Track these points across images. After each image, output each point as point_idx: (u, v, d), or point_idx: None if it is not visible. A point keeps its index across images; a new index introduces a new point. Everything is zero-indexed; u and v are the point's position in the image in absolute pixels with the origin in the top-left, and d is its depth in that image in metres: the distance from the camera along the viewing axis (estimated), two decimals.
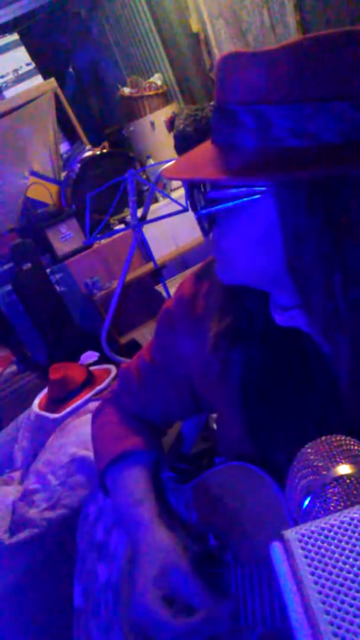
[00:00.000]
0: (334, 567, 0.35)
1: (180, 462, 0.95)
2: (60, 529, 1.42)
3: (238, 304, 0.70)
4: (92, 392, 1.76)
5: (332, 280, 0.56)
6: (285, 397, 0.68)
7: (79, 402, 1.73)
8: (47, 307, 3.07)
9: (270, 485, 0.67)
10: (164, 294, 2.41)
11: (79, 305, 3.26)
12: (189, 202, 0.62)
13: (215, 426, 1.02)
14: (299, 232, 0.55)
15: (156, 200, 3.21)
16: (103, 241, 3.16)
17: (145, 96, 3.44)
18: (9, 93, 3.50)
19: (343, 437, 0.49)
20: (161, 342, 0.87)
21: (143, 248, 2.78)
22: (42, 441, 1.74)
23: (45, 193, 3.38)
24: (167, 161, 2.47)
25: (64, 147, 3.79)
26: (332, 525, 0.38)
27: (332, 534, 0.37)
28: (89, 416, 1.63)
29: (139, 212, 2.33)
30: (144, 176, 3.24)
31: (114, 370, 1.92)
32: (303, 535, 0.37)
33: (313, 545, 0.37)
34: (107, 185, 2.32)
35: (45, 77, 3.59)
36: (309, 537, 0.37)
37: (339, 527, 0.37)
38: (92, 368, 1.92)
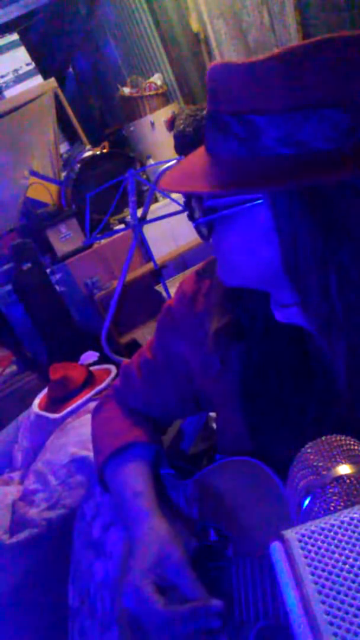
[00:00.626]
0: (334, 567, 0.35)
1: (180, 460, 0.95)
2: (60, 529, 1.42)
3: (238, 301, 0.71)
4: (92, 392, 1.76)
5: (328, 281, 0.57)
6: (285, 394, 0.69)
7: (79, 402, 1.73)
8: (47, 307, 3.06)
9: (273, 480, 0.67)
10: (164, 294, 2.40)
11: (79, 305, 3.26)
12: (187, 212, 0.64)
13: (215, 425, 1.02)
14: (294, 236, 0.56)
15: (156, 200, 3.21)
16: (103, 241, 3.16)
17: (145, 96, 3.44)
18: (9, 93, 3.50)
19: (343, 437, 0.49)
20: (162, 339, 0.88)
21: (143, 248, 2.79)
22: (42, 441, 1.74)
23: (45, 193, 3.38)
24: (167, 161, 2.47)
25: (64, 147, 3.79)
26: (332, 525, 0.38)
27: (332, 534, 0.37)
28: (89, 416, 1.63)
29: (139, 212, 2.33)
30: (144, 176, 3.24)
31: (114, 370, 1.93)
32: (303, 535, 0.37)
33: (313, 545, 0.37)
34: (107, 185, 2.32)
35: (45, 77, 3.59)
36: (309, 537, 0.37)
37: (339, 527, 0.37)
38: (92, 368, 1.92)
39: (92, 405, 1.71)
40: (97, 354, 2.02)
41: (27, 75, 3.55)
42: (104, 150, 3.41)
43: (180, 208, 2.23)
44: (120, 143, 3.73)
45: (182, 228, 3.08)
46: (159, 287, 2.61)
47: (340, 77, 0.50)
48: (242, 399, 0.73)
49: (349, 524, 0.37)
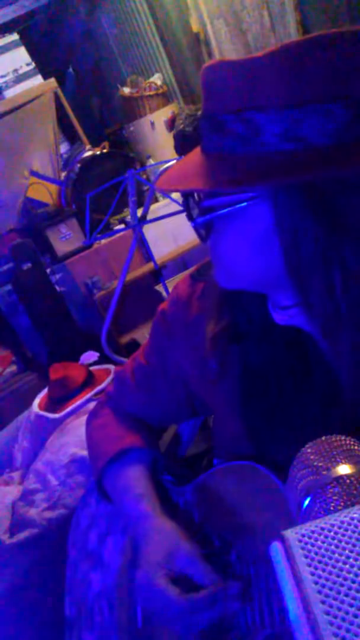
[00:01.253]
0: (334, 567, 0.35)
1: (177, 464, 0.95)
2: (60, 529, 1.42)
3: (235, 304, 0.70)
4: (92, 392, 1.76)
5: (332, 279, 0.56)
6: (285, 396, 0.68)
7: (79, 402, 1.73)
8: (47, 307, 3.06)
9: (275, 483, 0.67)
10: (164, 294, 2.41)
11: (79, 305, 3.25)
12: (185, 212, 0.63)
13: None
14: (296, 234, 0.55)
15: (156, 200, 3.21)
16: (103, 241, 3.16)
17: (145, 96, 3.43)
18: (9, 93, 3.50)
19: (343, 437, 0.49)
20: (156, 344, 0.87)
21: (143, 248, 2.78)
22: (42, 441, 1.74)
23: (45, 193, 3.38)
24: (167, 161, 2.47)
25: (64, 147, 3.79)
26: (332, 525, 0.38)
27: (332, 534, 0.37)
28: None
29: (139, 212, 2.33)
30: (144, 176, 3.24)
31: (114, 370, 1.92)
32: (303, 535, 0.37)
33: (313, 545, 0.37)
34: (107, 185, 2.32)
35: (45, 77, 3.59)
36: (309, 537, 0.37)
37: (339, 527, 0.37)
38: (92, 368, 1.92)
39: (92, 405, 1.71)
40: (97, 354, 2.02)
41: (27, 75, 3.55)
42: (104, 150, 3.41)
43: (180, 208, 2.23)
44: (120, 143, 3.73)
45: (182, 228, 3.08)
46: (159, 287, 2.61)
47: (338, 72, 0.50)
48: (241, 401, 0.72)
49: (349, 524, 0.37)
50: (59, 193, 3.45)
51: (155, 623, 0.76)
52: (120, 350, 2.99)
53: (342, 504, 0.43)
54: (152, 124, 3.41)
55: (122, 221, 3.30)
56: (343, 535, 0.37)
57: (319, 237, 0.54)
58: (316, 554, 0.36)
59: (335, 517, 0.38)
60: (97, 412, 0.97)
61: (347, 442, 0.48)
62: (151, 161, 3.36)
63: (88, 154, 3.44)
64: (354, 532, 0.37)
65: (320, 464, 0.47)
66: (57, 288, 3.12)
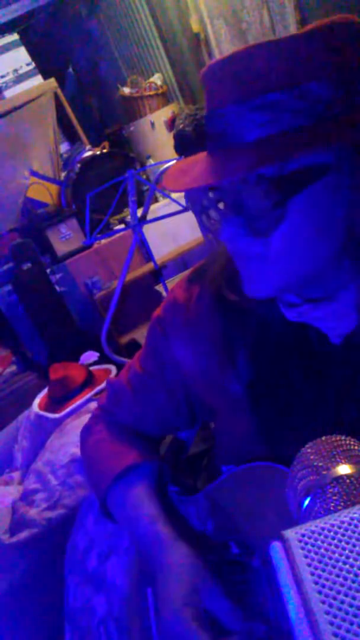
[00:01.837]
0: (334, 567, 0.35)
1: (180, 470, 0.92)
2: (60, 529, 1.42)
3: (243, 302, 0.68)
4: (92, 392, 1.76)
5: None
6: (296, 394, 0.67)
7: (79, 402, 1.73)
8: (47, 307, 3.06)
9: None
10: (164, 294, 2.41)
11: (79, 305, 3.26)
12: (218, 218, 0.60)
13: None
14: None
15: (156, 200, 3.21)
16: (103, 241, 3.16)
17: (145, 96, 3.44)
18: (9, 93, 3.50)
19: (343, 437, 0.49)
20: (153, 350, 0.85)
21: (143, 248, 2.79)
22: (42, 441, 1.74)
23: (45, 193, 3.38)
24: (167, 161, 2.47)
25: (64, 147, 3.79)
26: (332, 525, 0.38)
27: (332, 534, 0.37)
28: (88, 416, 1.63)
29: (139, 212, 2.33)
30: (144, 176, 3.24)
31: (114, 370, 1.92)
32: (303, 535, 0.37)
33: (313, 545, 0.37)
34: (107, 185, 2.32)
35: (45, 77, 3.59)
36: (309, 537, 0.37)
37: (339, 527, 0.37)
38: (92, 368, 1.92)
39: (92, 405, 1.71)
40: (97, 354, 2.02)
41: (27, 75, 3.55)
42: (104, 150, 3.41)
43: (180, 208, 2.23)
44: (120, 143, 3.73)
45: (182, 228, 3.08)
46: (159, 287, 2.61)
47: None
48: (251, 402, 0.70)
49: (349, 524, 0.37)
50: (59, 193, 3.46)
51: None
52: (120, 350, 2.99)
53: (342, 504, 0.43)
54: (152, 124, 3.41)
55: (122, 221, 3.30)
56: (343, 535, 0.37)
57: None
58: (316, 554, 0.36)
59: (335, 517, 0.38)
60: (91, 428, 0.92)
61: (347, 442, 0.48)
62: (151, 161, 3.36)
63: (88, 154, 3.44)
64: (354, 532, 0.37)
65: (320, 464, 0.47)
66: (57, 288, 3.12)
